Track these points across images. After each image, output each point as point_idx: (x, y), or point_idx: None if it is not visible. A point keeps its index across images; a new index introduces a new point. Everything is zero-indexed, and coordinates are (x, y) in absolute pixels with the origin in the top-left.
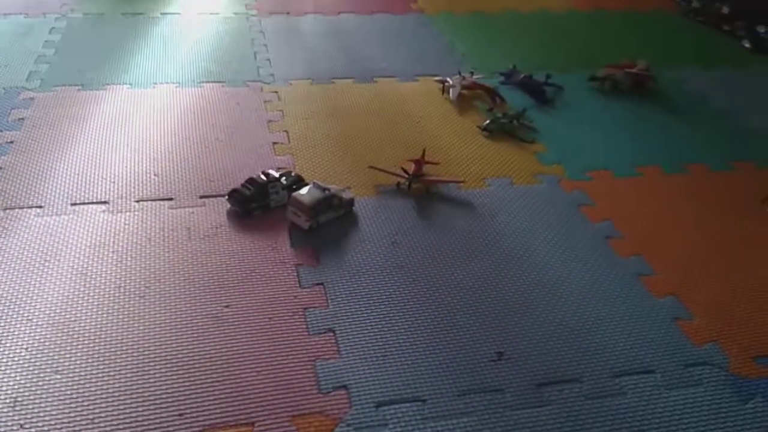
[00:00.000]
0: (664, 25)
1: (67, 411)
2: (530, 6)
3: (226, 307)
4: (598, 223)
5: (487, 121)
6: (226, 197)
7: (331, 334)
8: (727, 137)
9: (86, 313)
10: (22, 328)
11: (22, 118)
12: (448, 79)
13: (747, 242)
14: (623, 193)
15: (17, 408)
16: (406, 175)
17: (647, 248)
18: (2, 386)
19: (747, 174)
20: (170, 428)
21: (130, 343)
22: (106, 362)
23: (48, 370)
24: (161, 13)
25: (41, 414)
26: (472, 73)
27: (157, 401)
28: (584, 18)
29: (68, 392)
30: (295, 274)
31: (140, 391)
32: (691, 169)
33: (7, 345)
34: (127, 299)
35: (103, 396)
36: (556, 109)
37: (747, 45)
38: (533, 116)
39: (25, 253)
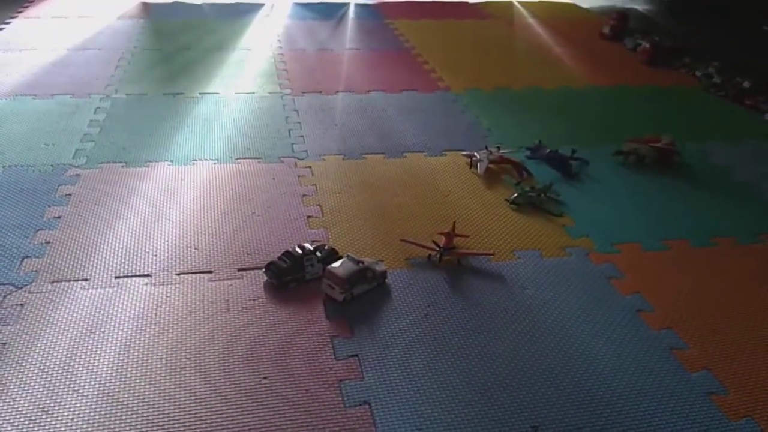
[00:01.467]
0: (685, 100)
1: None
2: (553, 83)
3: (264, 378)
4: (628, 296)
5: (515, 195)
6: (263, 270)
7: (367, 406)
8: (753, 210)
9: (130, 384)
10: (69, 399)
11: (69, 194)
12: (476, 154)
13: None
14: (652, 266)
15: None
16: (437, 248)
17: (678, 321)
18: None
19: None
20: None
21: (171, 415)
22: None
23: None
24: (200, 93)
25: None
26: (498, 148)
27: None
28: (606, 94)
29: None
30: (331, 345)
31: None
32: (719, 242)
33: (54, 415)
34: (168, 371)
35: None
36: (582, 182)
37: None
38: (560, 190)
39: (72, 324)
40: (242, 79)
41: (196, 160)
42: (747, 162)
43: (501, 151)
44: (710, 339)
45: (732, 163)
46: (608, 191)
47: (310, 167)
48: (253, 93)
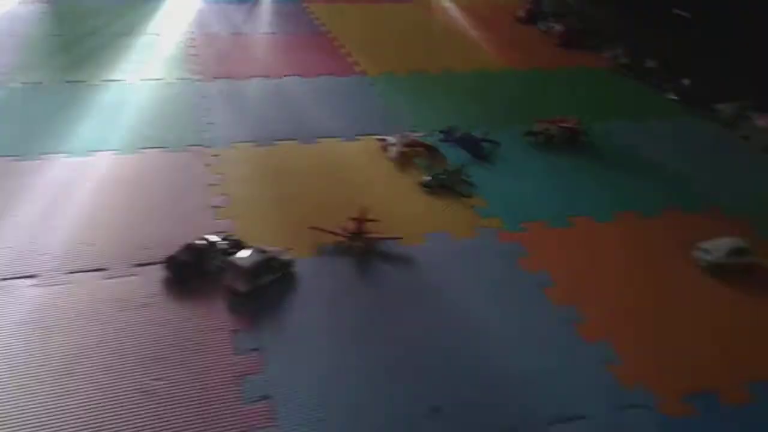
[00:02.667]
0: (595, 82)
1: None
2: (469, 66)
3: (156, 379)
4: (532, 273)
5: (427, 178)
6: (163, 265)
7: (267, 401)
8: (655, 185)
9: (10, 395)
10: None
11: None
12: (389, 138)
13: (674, 286)
14: (557, 242)
15: None
16: (346, 234)
17: (580, 296)
18: None
19: (674, 220)
20: None
21: (57, 424)
22: None
23: None
24: (103, 81)
25: None
26: (411, 132)
27: None
28: (520, 76)
29: None
30: (231, 340)
31: None
32: (621, 218)
33: None
34: (53, 379)
35: None
36: (494, 164)
37: (673, 97)
38: (472, 171)
39: None
40: (150, 65)
41: (95, 151)
42: (651, 140)
43: (414, 135)
44: (609, 311)
45: (636, 141)
46: (518, 171)
47: (218, 155)
48: (161, 79)
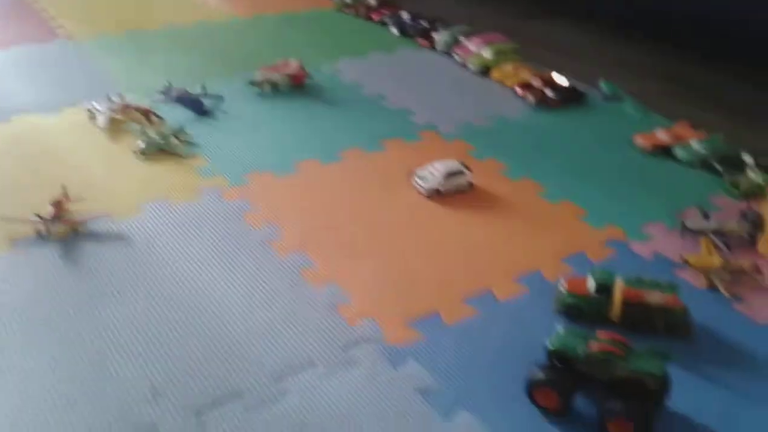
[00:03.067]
0: (321, 22)
1: None
2: (189, 17)
3: None
4: (259, 228)
5: (141, 143)
6: None
7: None
8: (378, 119)
9: None
10: None
11: None
12: (97, 106)
13: (397, 217)
14: (284, 191)
15: None
16: (43, 220)
17: (307, 243)
18: None
19: (397, 150)
20: None
21: None
22: None
23: None
24: None
25: None
26: (122, 96)
27: None
28: (244, 24)
29: None
30: None
31: None
32: (346, 156)
33: None
34: None
35: None
36: (217, 119)
37: (394, 31)
38: (194, 130)
39: None
40: None
41: None
42: (375, 75)
43: (127, 99)
44: (337, 252)
45: (361, 77)
46: (243, 124)
47: None
48: None
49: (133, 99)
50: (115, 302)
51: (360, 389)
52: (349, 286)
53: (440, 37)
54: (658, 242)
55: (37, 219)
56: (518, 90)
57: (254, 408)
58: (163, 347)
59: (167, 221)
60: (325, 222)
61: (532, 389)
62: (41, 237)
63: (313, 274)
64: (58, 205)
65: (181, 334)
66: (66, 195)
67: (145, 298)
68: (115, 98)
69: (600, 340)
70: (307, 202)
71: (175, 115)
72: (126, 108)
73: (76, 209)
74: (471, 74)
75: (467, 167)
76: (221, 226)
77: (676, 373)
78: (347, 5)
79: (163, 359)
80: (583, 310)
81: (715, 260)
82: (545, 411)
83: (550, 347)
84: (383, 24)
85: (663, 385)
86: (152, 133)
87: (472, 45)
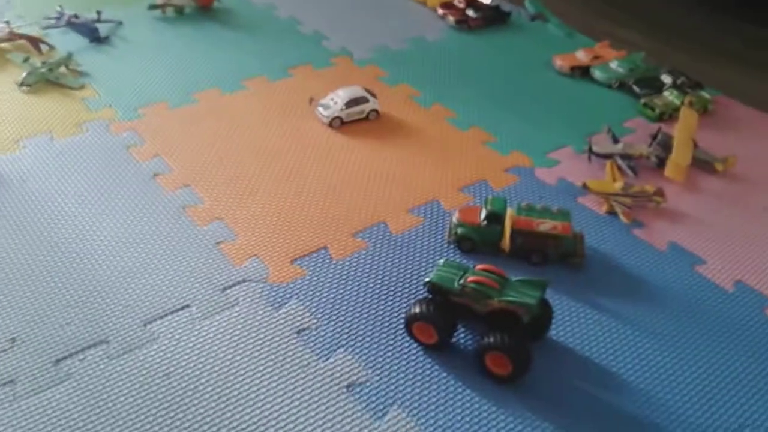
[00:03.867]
0: None
1: None
2: None
3: None
4: (146, 162)
5: (25, 74)
6: None
7: None
8: (289, 45)
9: None
10: None
11: None
12: None
13: (296, 149)
14: (177, 125)
15: None
16: None
17: (196, 177)
18: None
19: (304, 79)
20: None
21: None
22: None
23: None
24: None
25: None
26: (7, 23)
27: None
28: None
29: None
30: None
31: None
32: (249, 85)
33: None
34: None
35: None
36: (114, 46)
37: None
38: (86, 59)
39: None
40: None
41: None
42: None
43: (12, 26)
44: (225, 189)
45: (273, 2)
46: (142, 52)
47: None
48: None
49: (21, 26)
50: None
51: (236, 332)
52: (236, 224)
53: None
54: (564, 168)
55: None
56: (439, 10)
57: (118, 355)
58: (27, 293)
59: (46, 158)
60: (218, 156)
61: (410, 324)
62: None
63: (198, 211)
64: None
65: (48, 278)
66: None
67: (8, 239)
68: (0, 25)
69: (476, 273)
70: (200, 136)
71: (67, 43)
72: (12, 36)
73: None
74: None
75: (372, 94)
76: (105, 161)
77: (565, 304)
78: None
79: (26, 306)
80: (474, 241)
81: (616, 185)
82: (424, 346)
83: (426, 279)
84: None
85: (539, 313)
86: (37, 63)
87: None
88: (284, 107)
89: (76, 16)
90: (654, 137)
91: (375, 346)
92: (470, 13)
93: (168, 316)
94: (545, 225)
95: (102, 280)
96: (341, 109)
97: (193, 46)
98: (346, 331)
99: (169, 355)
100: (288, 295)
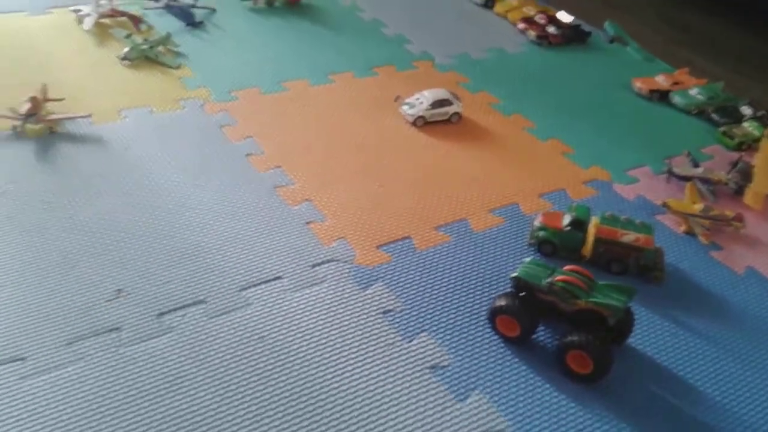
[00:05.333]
0: None
1: None
2: None
3: None
4: (239, 142)
5: (127, 49)
6: None
7: None
8: (373, 45)
9: None
10: None
11: None
12: (84, 8)
13: (380, 142)
14: (268, 109)
15: None
16: (19, 117)
17: (287, 160)
18: None
19: (388, 78)
20: None
21: None
22: None
23: None
24: None
25: None
26: (111, 1)
27: None
28: None
29: None
30: None
31: None
32: (336, 79)
33: None
34: None
35: None
36: (208, 32)
37: None
38: (182, 41)
39: None
40: None
41: None
42: (375, 0)
43: (115, 3)
44: (316, 173)
45: (361, 1)
46: (234, 39)
47: None
48: None
49: (122, 4)
50: (84, 203)
51: (324, 306)
52: (324, 207)
53: None
54: (642, 186)
55: (12, 114)
56: (520, 25)
57: (216, 314)
58: (131, 250)
59: (146, 128)
60: (307, 142)
61: (493, 316)
62: (16, 133)
63: (289, 192)
64: (35, 101)
65: (149, 238)
66: (45, 93)
67: (115, 201)
68: (103, 2)
69: (565, 273)
70: (291, 122)
71: (164, 24)
72: (114, 12)
73: (55, 109)
74: (474, 6)
75: (457, 97)
76: (201, 137)
77: (643, 314)
78: None
79: (130, 262)
80: (555, 245)
81: (696, 207)
82: (506, 339)
83: (513, 274)
84: None
85: (623, 319)
86: (138, 40)
87: None
88: (370, 103)
89: (174, 0)
90: (734, 164)
91: (457, 333)
92: (551, 29)
93: (261, 285)
94: (628, 236)
95: (200, 246)
96: (426, 109)
97: (283, 38)
98: (429, 316)
99: (262, 320)
100: (374, 278)
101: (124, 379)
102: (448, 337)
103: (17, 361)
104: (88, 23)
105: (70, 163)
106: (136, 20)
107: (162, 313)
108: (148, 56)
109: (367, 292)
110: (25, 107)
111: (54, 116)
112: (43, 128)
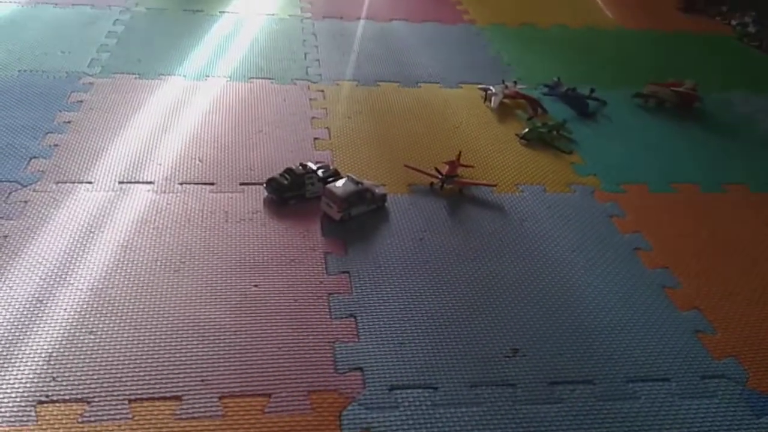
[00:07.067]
0: (717, 48)
1: (96, 368)
2: (579, 21)
3: (255, 286)
4: (627, 234)
5: (526, 130)
6: (264, 185)
7: (352, 319)
8: None
9: (124, 282)
10: (64, 291)
11: (81, 101)
12: (491, 88)
13: None
14: (656, 207)
15: (51, 362)
16: (440, 176)
17: (676, 262)
18: (40, 342)
19: None
20: (191, 392)
21: (161, 312)
22: (138, 327)
23: (83, 330)
24: (220, 12)
25: (73, 369)
26: (515, 83)
27: (182, 366)
28: (634, 36)
29: (99, 352)
30: (323, 261)
31: (167, 356)
32: (729, 189)
33: (48, 305)
34: (162, 272)
35: (132, 358)
36: (598, 122)
37: None
38: (573, 128)
39: (72, 223)
40: (264, 0)
41: (209, 76)
42: None
43: (518, 86)
44: (706, 281)
45: (755, 113)
46: (623, 132)
47: (322, 91)
48: (273, 14)
49: (523, 88)
50: (485, 263)
51: (713, 420)
52: (715, 319)
53: None
54: None
55: (436, 173)
56: None
57: (604, 398)
58: (527, 314)
59: (539, 204)
60: (698, 249)
61: None
62: (433, 189)
63: (677, 295)
64: (452, 165)
65: (543, 306)
66: (459, 159)
67: (511, 264)
68: (508, 84)
69: None
70: (681, 225)
71: (558, 111)
72: (516, 94)
73: (464, 174)
74: None
75: None
76: (590, 222)
77: None
78: (749, 35)
79: (526, 325)
80: None
81: None
82: None
83: None
84: None
85: None
86: (537, 123)
87: None
88: (762, 220)
89: (573, 89)
90: None
91: None
92: None
93: (649, 381)
94: None
95: (590, 326)
96: None
97: (673, 139)
98: None
99: (648, 417)
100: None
101: None
102: None
103: (431, 388)
104: (495, 101)
105: (473, 224)
106: (535, 104)
107: (554, 383)
108: (545, 139)
109: (761, 420)
110: (445, 169)
111: (465, 180)
112: (454, 188)
